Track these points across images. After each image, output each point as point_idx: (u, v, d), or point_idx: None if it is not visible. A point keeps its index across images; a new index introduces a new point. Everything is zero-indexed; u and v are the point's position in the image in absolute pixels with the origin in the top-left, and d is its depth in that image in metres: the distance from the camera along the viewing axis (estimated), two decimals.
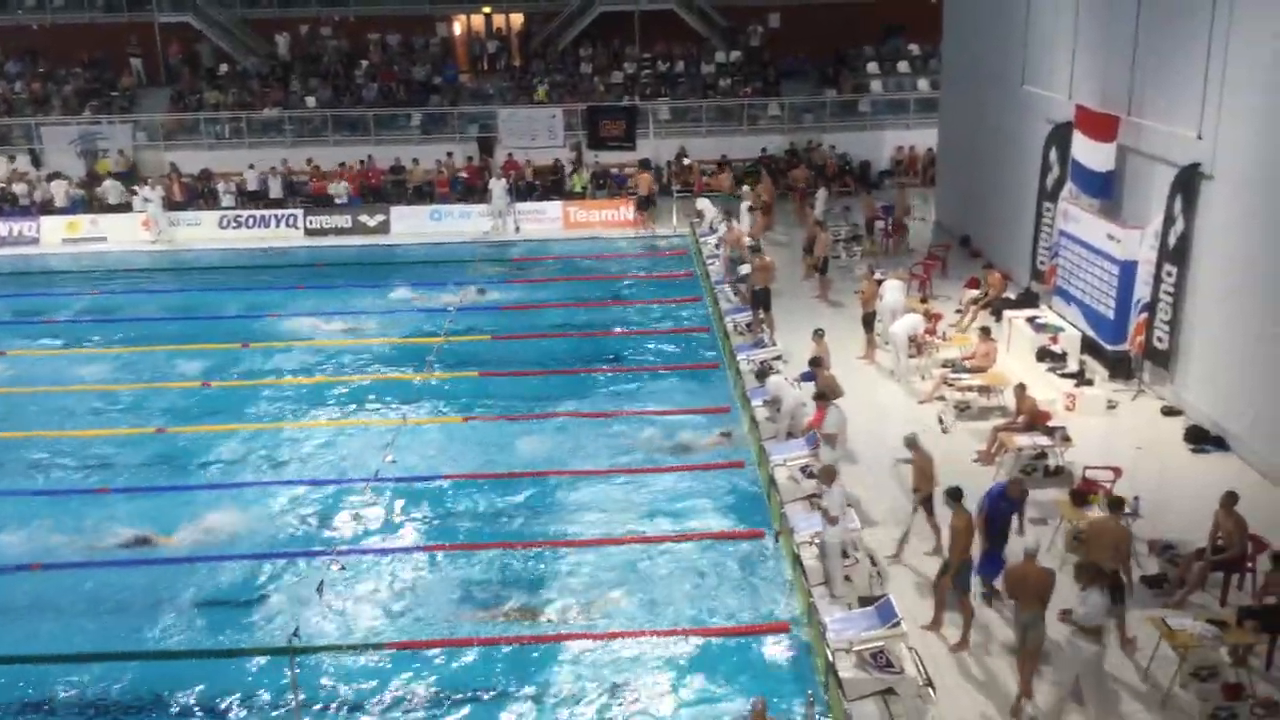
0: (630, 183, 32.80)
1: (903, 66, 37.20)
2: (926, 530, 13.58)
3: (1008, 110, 24.11)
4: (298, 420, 18.94)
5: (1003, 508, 12.31)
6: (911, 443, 13.93)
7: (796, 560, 13.16)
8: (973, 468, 15.65)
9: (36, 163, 34.00)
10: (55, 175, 32.56)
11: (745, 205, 27.69)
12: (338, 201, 31.88)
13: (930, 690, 11.07)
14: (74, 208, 31.94)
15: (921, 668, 11.30)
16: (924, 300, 22.08)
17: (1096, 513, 13.09)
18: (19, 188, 32.38)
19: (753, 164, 33.61)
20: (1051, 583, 11.03)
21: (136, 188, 31.82)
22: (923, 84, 36.03)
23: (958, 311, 21.53)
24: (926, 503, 13.57)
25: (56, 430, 18.78)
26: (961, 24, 27.98)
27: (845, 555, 13.14)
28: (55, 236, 31.05)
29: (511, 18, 40.21)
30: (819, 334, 18.25)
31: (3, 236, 30.99)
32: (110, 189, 32.09)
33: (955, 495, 12.19)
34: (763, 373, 18.27)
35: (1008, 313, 20.45)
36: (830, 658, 11.04)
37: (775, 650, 12.41)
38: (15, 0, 38.31)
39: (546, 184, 33.21)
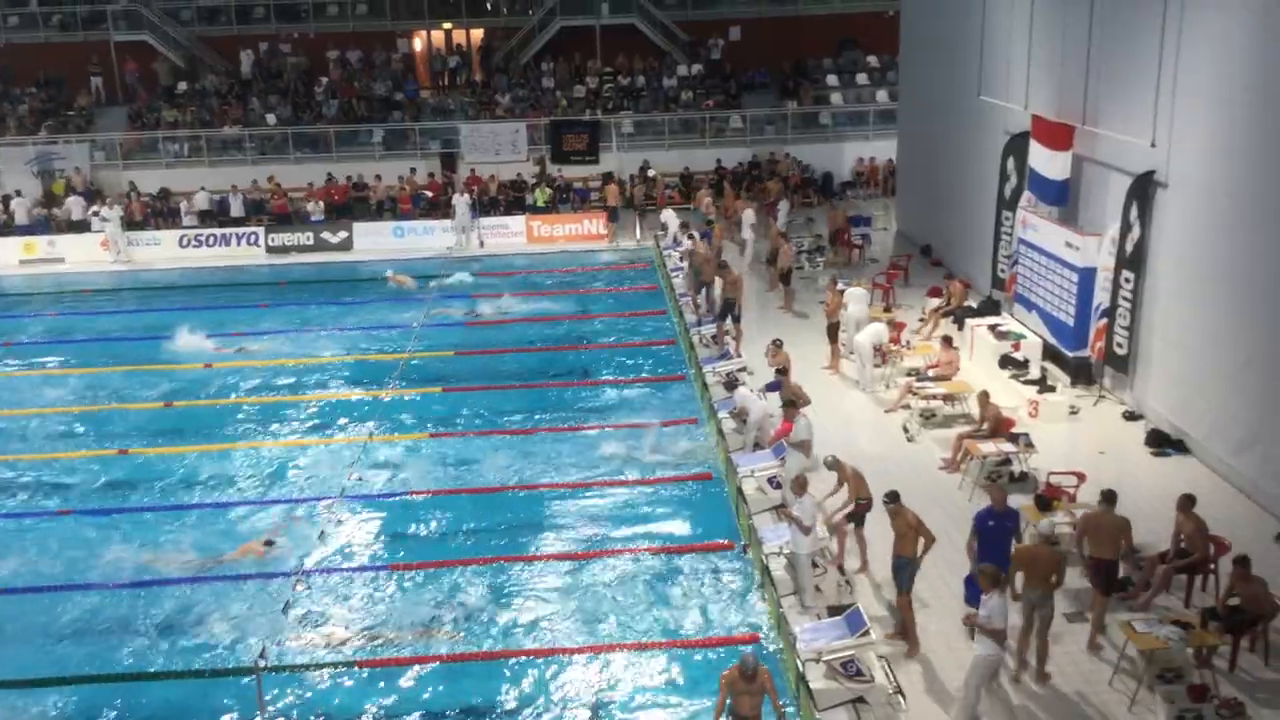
0: (599, 194, 32.81)
1: (861, 78, 37.54)
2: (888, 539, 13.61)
3: (965, 121, 24.39)
4: (262, 439, 18.76)
5: (992, 526, 11.99)
6: (833, 464, 13.93)
7: (765, 571, 13.20)
8: (939, 475, 15.81)
9: None
10: (15, 194, 32.19)
11: (748, 215, 27.77)
12: (314, 219, 31.74)
13: (901, 698, 11.13)
14: (37, 227, 31.58)
15: (891, 676, 11.37)
16: (887, 310, 22.27)
17: (1059, 517, 13.27)
18: None
19: (714, 177, 33.78)
20: (1062, 564, 11.35)
21: (95, 207, 31.48)
22: (882, 95, 36.37)
23: (920, 320, 21.73)
24: (860, 516, 13.62)
25: (16, 454, 18.51)
26: (917, 36, 28.29)
27: (815, 565, 13.19)
28: (12, 258, 30.63)
29: (472, 33, 40.22)
30: (777, 344, 18.39)
31: None
32: (74, 204, 31.86)
33: (893, 497, 12.28)
34: (731, 384, 18.36)
35: (970, 321, 20.64)
36: (800, 668, 11.07)
37: None
38: None
39: (509, 199, 33.20)
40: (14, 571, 14.79)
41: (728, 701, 10.35)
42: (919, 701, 11.22)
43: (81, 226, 31.45)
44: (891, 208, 31.36)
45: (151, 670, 12.65)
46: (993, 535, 11.98)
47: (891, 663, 11.62)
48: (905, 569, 12.00)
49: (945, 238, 26.31)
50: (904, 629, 12.19)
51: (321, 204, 32.03)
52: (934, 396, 17.84)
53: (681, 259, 25.77)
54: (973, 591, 12.01)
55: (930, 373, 18.44)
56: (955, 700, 11.14)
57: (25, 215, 31.77)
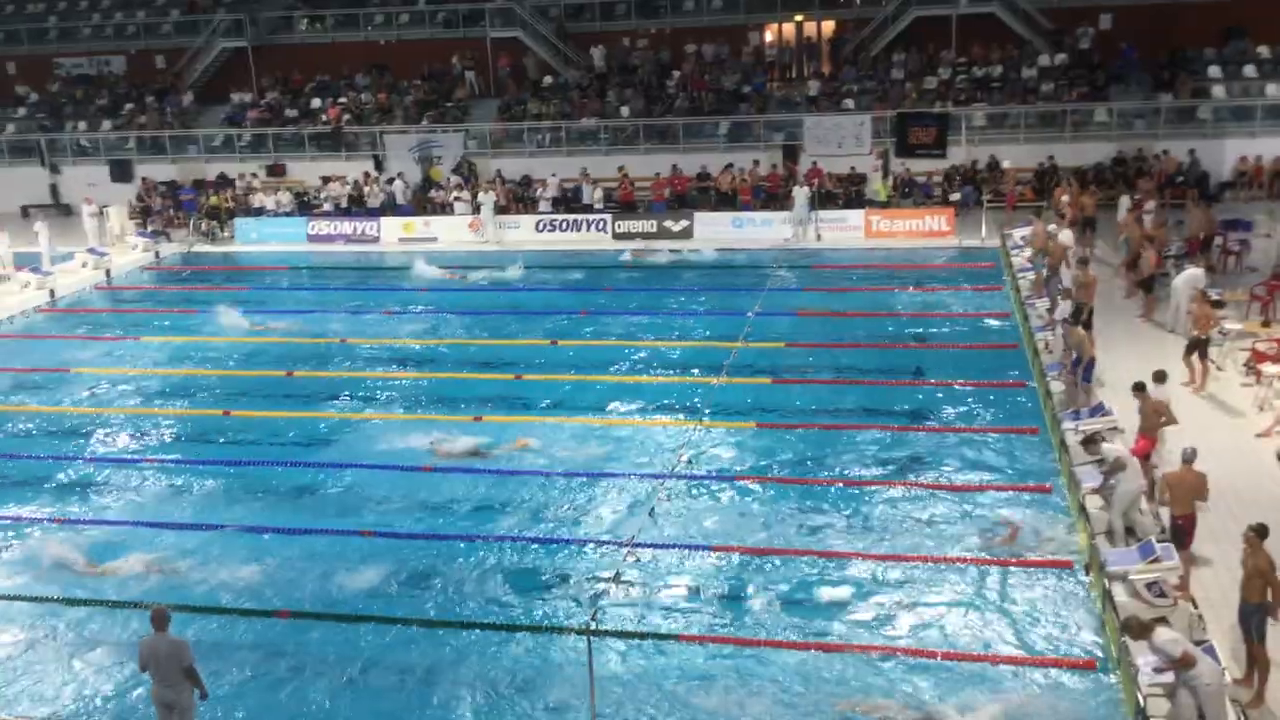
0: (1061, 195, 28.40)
1: (1249, 70, 34.05)
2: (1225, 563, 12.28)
3: None
4: (598, 416, 19.63)
5: None
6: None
7: (1107, 596, 12.31)
8: None
9: (379, 167, 37.25)
10: (398, 176, 35.74)
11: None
12: (597, 208, 33.35)
13: None
14: (415, 208, 35.04)
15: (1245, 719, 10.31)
16: (1265, 324, 20.16)
17: None
18: (368, 189, 35.75)
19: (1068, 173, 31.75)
20: None
21: (462, 193, 34.34)
22: (1272, 89, 32.84)
23: None
24: (1179, 534, 12.60)
25: (391, 413, 20.38)
26: None
27: (1163, 596, 12.16)
28: (393, 235, 34.08)
29: (823, 25, 40.07)
30: (1140, 387, 15.41)
31: (349, 234, 34.35)
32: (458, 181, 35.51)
33: (1261, 534, 11.07)
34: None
35: None
36: (1142, 703, 10.25)
37: (1080, 687, 11.67)
38: (366, 19, 42.15)
39: (849, 193, 32.84)
40: (380, 519, 16.32)
41: None
42: None
43: (446, 209, 34.55)
44: (1278, 212, 28.26)
45: (492, 621, 13.54)
46: None
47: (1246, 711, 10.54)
48: (1252, 616, 10.88)
49: None
50: (1249, 675, 11.02)
51: (599, 191, 33.42)
52: None
53: (1031, 260, 24.52)
54: None
55: None
56: None
57: (403, 197, 35.17)
